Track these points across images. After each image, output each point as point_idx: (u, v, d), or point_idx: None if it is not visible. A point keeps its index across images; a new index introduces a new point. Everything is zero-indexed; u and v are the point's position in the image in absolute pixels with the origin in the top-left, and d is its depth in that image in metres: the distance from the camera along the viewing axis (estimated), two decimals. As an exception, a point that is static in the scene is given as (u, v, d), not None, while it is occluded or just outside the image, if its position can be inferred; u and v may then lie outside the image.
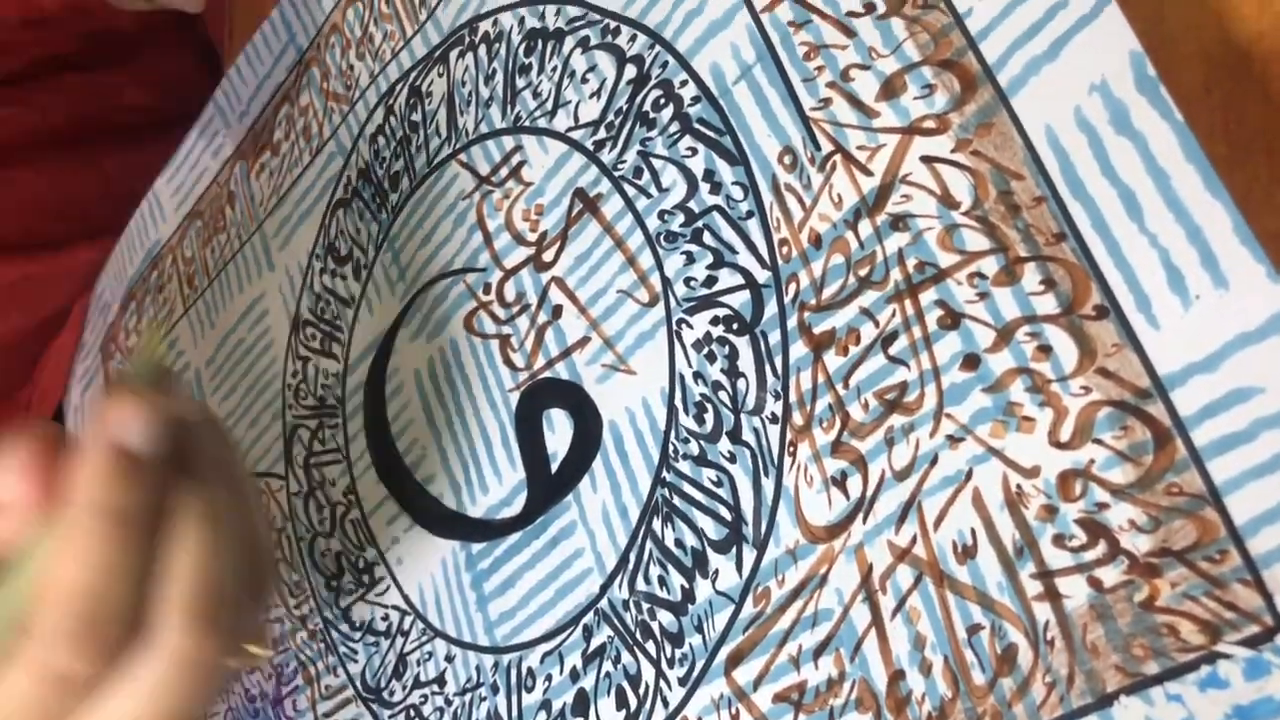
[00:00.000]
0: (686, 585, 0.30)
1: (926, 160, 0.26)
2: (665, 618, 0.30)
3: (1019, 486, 0.24)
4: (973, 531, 0.24)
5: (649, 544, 0.31)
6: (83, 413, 0.60)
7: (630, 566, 0.31)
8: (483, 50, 0.38)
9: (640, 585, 0.31)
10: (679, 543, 0.30)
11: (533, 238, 0.35)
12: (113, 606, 0.24)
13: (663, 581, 0.30)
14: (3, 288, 0.57)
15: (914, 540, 0.25)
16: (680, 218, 0.31)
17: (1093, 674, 0.22)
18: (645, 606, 0.31)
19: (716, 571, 0.29)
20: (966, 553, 0.24)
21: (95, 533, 0.24)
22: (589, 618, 0.32)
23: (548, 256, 0.35)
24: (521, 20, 0.36)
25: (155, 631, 0.24)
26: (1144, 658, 0.21)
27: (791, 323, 0.28)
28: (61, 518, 0.24)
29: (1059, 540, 0.23)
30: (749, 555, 0.29)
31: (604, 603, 0.32)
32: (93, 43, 0.55)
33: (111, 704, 0.24)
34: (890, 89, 0.26)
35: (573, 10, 0.34)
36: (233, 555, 0.26)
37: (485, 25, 0.38)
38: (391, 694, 0.39)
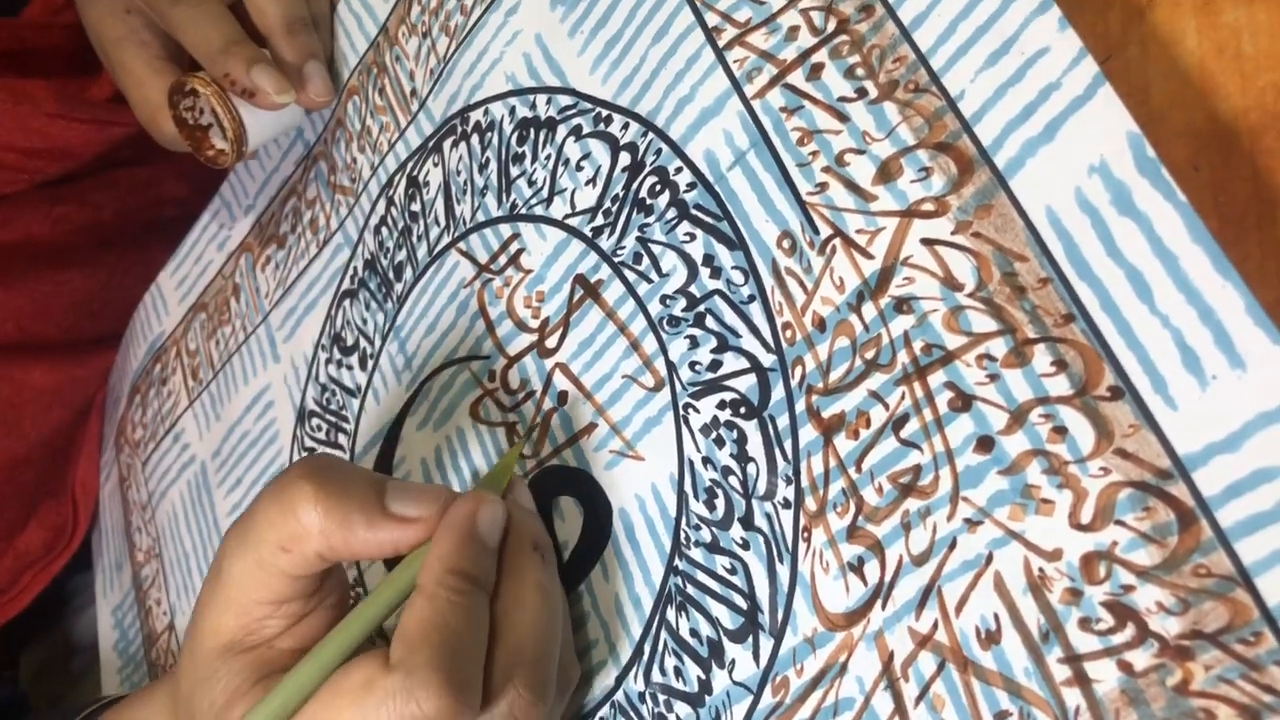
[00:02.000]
0: (703, 676, 0.29)
1: (927, 243, 0.25)
2: (683, 709, 0.30)
3: (1041, 570, 0.23)
4: (996, 616, 0.24)
5: (664, 634, 0.30)
6: (107, 508, 0.59)
7: (645, 658, 0.31)
8: (475, 139, 0.38)
9: (656, 677, 0.30)
10: (694, 632, 0.30)
11: (535, 324, 0.35)
12: (473, 651, 0.26)
13: (679, 672, 0.30)
14: (48, 390, 0.58)
15: (935, 626, 0.25)
16: (682, 302, 0.31)
17: (1129, 765, 0.22)
18: (661, 699, 0.30)
19: (733, 661, 0.29)
20: (990, 638, 0.24)
21: (456, 589, 0.27)
22: (605, 711, 0.31)
23: (551, 343, 0.34)
24: (512, 110, 0.36)
25: (494, 688, 0.27)
26: (1181, 747, 0.21)
27: (800, 406, 0.28)
28: (425, 567, 0.28)
29: (1085, 623, 0.22)
30: (766, 644, 0.28)
31: (619, 695, 0.31)
32: (137, 140, 0.58)
33: None
34: (886, 173, 0.26)
35: (564, 99, 0.35)
36: (558, 628, 0.29)
37: (476, 115, 0.38)
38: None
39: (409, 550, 0.29)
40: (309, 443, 0.44)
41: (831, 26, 0.28)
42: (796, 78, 0.28)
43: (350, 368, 0.43)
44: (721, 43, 0.30)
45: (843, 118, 0.27)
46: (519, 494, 0.32)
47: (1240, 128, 0.23)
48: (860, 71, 0.27)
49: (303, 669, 0.26)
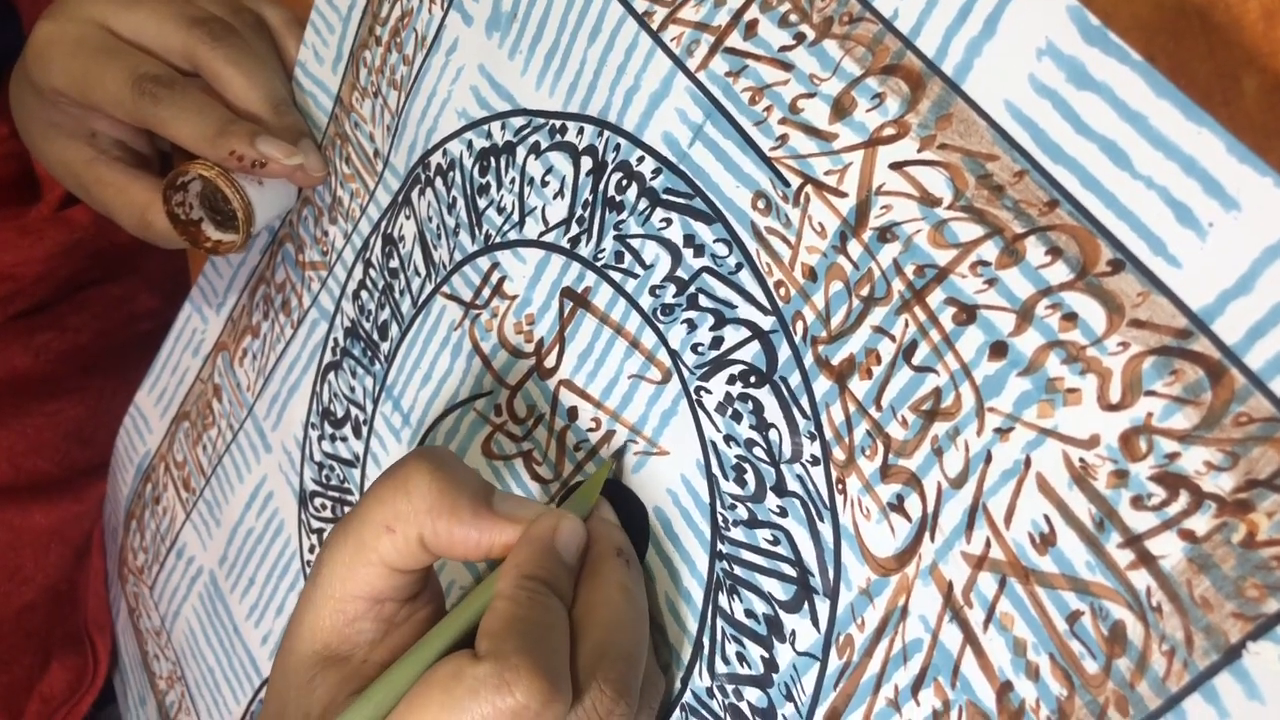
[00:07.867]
0: (766, 655, 0.29)
1: (896, 166, 0.26)
2: (753, 694, 0.29)
3: (1082, 460, 0.23)
4: (1046, 518, 0.23)
5: (720, 622, 0.30)
6: (123, 645, 0.58)
7: (706, 650, 0.30)
8: (439, 182, 0.38)
9: (720, 667, 0.30)
10: (749, 613, 0.29)
11: (529, 348, 0.35)
12: (558, 646, 0.26)
13: (742, 657, 0.29)
14: (47, 530, 0.57)
15: (988, 544, 0.24)
16: (671, 289, 0.31)
17: (1211, 629, 0.21)
18: (730, 688, 0.29)
19: (794, 632, 0.28)
20: (1045, 541, 0.23)
21: (533, 590, 0.27)
22: (676, 715, 0.31)
23: (549, 362, 0.34)
24: (469, 144, 0.37)
25: (578, 685, 0.26)
26: (1260, 598, 0.20)
27: (808, 360, 0.28)
28: (501, 574, 0.27)
29: (1138, 502, 0.22)
30: (823, 607, 0.27)
31: (688, 696, 0.30)
32: (105, 258, 0.57)
33: None
34: (841, 108, 0.27)
35: (516, 121, 0.35)
36: (644, 630, 0.28)
37: (436, 158, 0.38)
38: None
39: (501, 557, 0.28)
40: (316, 524, 0.43)
41: (760, -13, 0.28)
42: (734, 40, 0.29)
43: (345, 439, 0.42)
44: (655, 25, 0.30)
45: (787, 66, 0.27)
46: (602, 509, 0.31)
47: (1188, 8, 0.23)
48: (794, 18, 0.27)
49: (397, 670, 0.26)
